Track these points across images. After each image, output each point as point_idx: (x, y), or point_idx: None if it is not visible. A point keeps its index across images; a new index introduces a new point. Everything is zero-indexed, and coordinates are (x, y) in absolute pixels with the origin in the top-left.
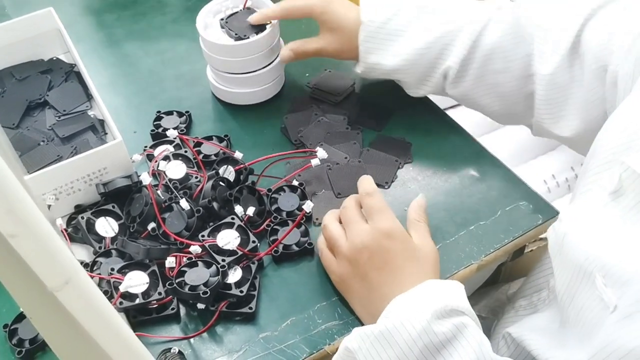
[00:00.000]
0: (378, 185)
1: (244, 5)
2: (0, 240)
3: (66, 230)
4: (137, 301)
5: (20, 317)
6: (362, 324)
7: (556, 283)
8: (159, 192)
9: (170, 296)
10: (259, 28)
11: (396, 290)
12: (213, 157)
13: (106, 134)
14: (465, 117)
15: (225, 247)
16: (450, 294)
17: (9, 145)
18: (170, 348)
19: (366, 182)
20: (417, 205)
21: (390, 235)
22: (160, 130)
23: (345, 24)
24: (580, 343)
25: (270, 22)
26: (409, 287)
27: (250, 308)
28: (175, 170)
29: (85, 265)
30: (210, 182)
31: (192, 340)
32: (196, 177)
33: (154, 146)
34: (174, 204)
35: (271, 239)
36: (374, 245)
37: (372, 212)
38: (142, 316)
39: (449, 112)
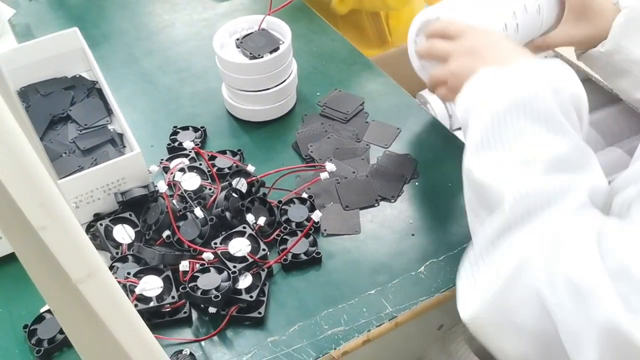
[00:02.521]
0: (384, 199)
1: (259, 27)
2: (30, 232)
3: None
4: (152, 304)
5: (39, 318)
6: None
7: None
8: (174, 201)
9: (183, 300)
10: (273, 48)
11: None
12: (226, 170)
13: (125, 147)
14: None
15: (236, 254)
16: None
17: (43, 151)
18: (182, 350)
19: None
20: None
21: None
22: (176, 144)
23: (599, 8)
24: None
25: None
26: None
27: (260, 313)
28: (190, 181)
29: None
30: (224, 193)
31: (203, 343)
32: (210, 189)
33: (170, 159)
34: (188, 213)
35: (281, 248)
36: (471, 31)
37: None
38: (155, 319)
39: (456, 133)
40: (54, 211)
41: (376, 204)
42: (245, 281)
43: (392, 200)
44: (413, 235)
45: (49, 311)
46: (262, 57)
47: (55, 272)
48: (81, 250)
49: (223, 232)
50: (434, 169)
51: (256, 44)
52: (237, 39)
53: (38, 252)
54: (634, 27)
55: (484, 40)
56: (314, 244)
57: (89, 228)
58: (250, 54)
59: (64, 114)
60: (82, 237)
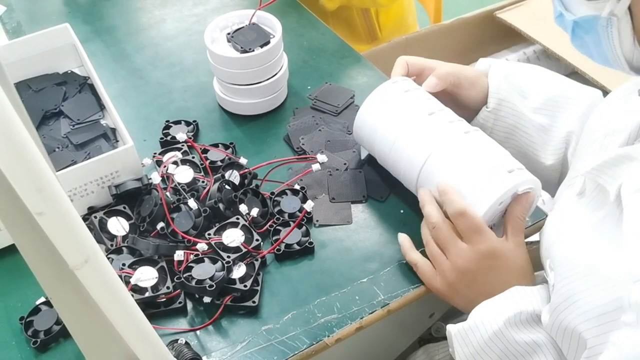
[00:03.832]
0: (372, 198)
1: (250, 21)
2: (28, 218)
3: None
4: (147, 294)
5: (35, 310)
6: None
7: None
8: (167, 194)
9: (178, 290)
10: (264, 42)
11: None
12: (219, 163)
13: (117, 141)
14: None
15: (230, 245)
16: (528, 299)
17: (40, 142)
18: (177, 339)
19: (455, 200)
20: (526, 203)
21: (493, 255)
22: (169, 138)
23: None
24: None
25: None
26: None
27: (254, 302)
28: (183, 174)
29: None
30: (216, 185)
31: (198, 332)
32: (203, 182)
33: (163, 153)
34: (182, 205)
35: (274, 238)
36: (477, 267)
37: (470, 234)
38: (151, 309)
39: None
40: (52, 197)
41: (363, 200)
42: (239, 271)
43: (381, 200)
44: (404, 225)
45: (44, 303)
46: (253, 51)
47: (52, 258)
48: (78, 237)
49: (217, 223)
50: None
51: (247, 38)
52: (228, 34)
53: (35, 239)
54: (508, 80)
55: (499, 264)
56: (306, 234)
57: (84, 221)
58: (241, 48)
59: (56, 110)
60: (79, 224)
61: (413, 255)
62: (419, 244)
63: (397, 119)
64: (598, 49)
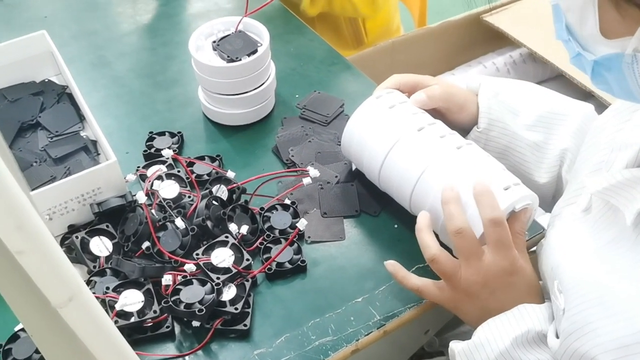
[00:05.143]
0: (365, 212)
1: (236, 28)
2: (6, 257)
3: None
4: (133, 320)
5: (14, 337)
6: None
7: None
8: (152, 211)
9: (165, 314)
10: (251, 50)
11: None
12: (205, 177)
13: (99, 154)
14: None
15: (219, 265)
16: (536, 318)
17: (15, 163)
18: None
19: (492, 204)
20: (524, 218)
21: (512, 272)
22: (152, 150)
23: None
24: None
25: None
26: None
27: (245, 325)
28: (169, 189)
29: None
30: (204, 201)
31: (187, 357)
32: (189, 197)
33: (146, 166)
34: (168, 223)
35: (264, 256)
36: (499, 283)
37: (500, 246)
38: (137, 335)
39: None
40: (33, 234)
41: (356, 214)
42: (229, 293)
43: (375, 214)
44: (399, 240)
45: (24, 329)
46: (240, 60)
47: (33, 296)
48: (61, 274)
49: (205, 242)
50: None
51: (233, 47)
52: (214, 42)
53: (15, 277)
54: (498, 99)
55: (519, 281)
56: (298, 251)
57: (64, 240)
58: (228, 56)
59: (33, 121)
60: (62, 260)
61: (413, 281)
62: (413, 260)
63: (385, 137)
64: (621, 85)
